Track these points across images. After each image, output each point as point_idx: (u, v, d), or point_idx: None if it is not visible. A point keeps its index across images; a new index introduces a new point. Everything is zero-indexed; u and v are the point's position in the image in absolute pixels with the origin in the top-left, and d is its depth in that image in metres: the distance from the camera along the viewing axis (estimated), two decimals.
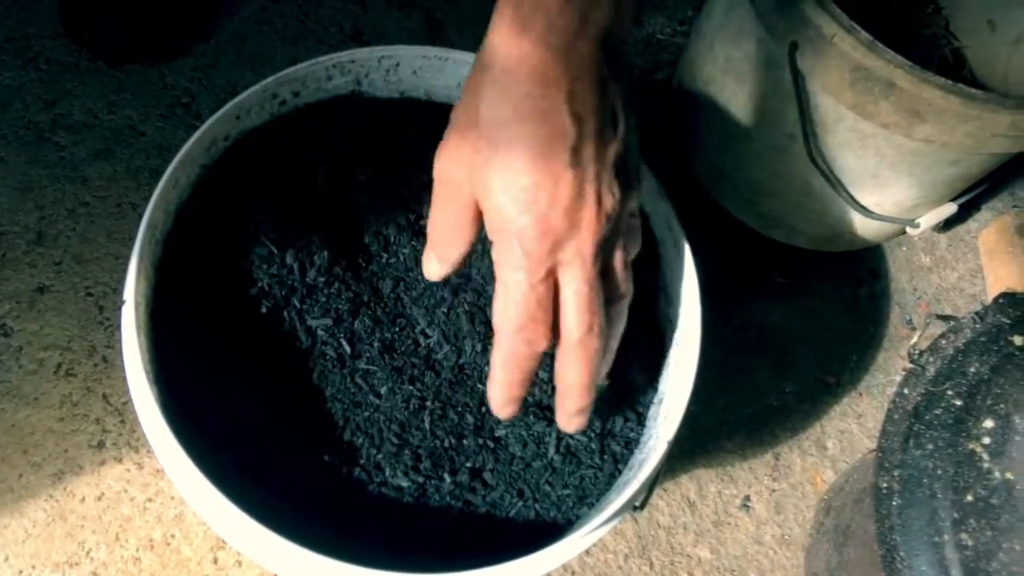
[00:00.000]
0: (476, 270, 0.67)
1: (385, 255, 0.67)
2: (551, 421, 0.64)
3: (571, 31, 0.49)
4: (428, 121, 0.73)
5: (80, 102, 1.02)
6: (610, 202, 0.52)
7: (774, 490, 0.97)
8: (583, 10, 0.49)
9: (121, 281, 0.92)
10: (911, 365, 0.71)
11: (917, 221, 0.95)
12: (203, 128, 0.64)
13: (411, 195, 0.69)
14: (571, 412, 0.56)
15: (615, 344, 0.58)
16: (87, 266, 0.94)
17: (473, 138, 0.52)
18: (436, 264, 0.57)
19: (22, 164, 0.98)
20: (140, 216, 0.94)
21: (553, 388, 0.65)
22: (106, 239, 0.96)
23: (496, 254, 0.53)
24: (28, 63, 1.04)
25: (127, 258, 0.61)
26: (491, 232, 0.53)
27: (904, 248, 1.11)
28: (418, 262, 0.66)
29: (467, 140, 0.52)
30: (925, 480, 0.64)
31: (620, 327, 0.57)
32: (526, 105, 0.50)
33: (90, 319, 0.92)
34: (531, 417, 0.64)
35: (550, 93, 0.50)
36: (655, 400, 0.67)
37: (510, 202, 0.51)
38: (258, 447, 0.60)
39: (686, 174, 1.05)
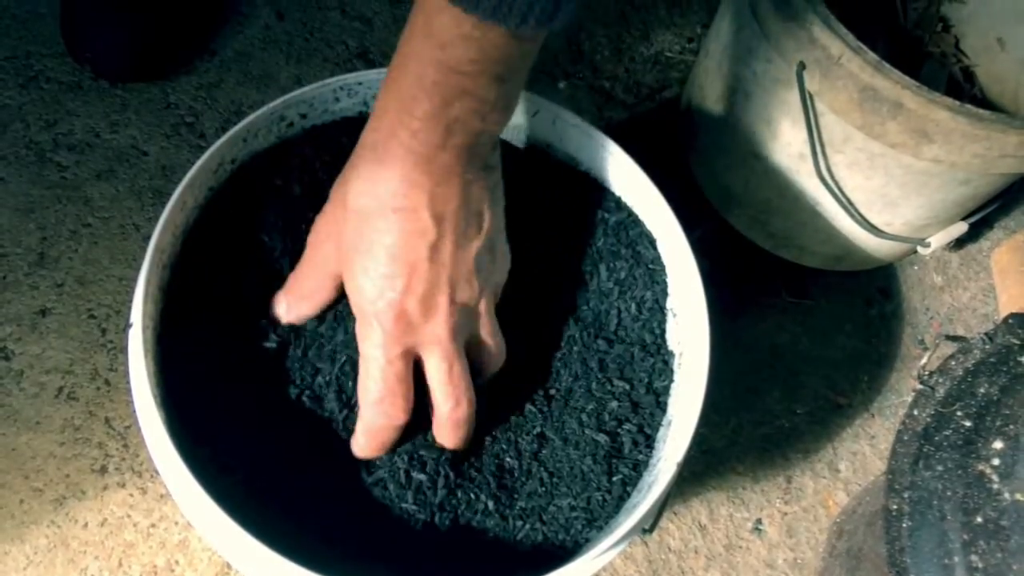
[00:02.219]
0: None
1: None
2: (561, 446, 0.66)
3: (433, 144, 0.55)
4: None
5: (82, 122, 1.05)
6: (466, 293, 0.60)
7: (786, 513, 0.98)
8: (447, 123, 0.55)
9: (124, 303, 0.95)
10: (921, 386, 0.72)
11: (928, 240, 0.96)
12: (210, 151, 0.66)
13: None
14: None
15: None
16: (89, 288, 0.96)
17: (342, 219, 0.59)
18: (283, 309, 0.65)
19: (23, 185, 1.00)
20: (144, 237, 0.98)
21: (558, 413, 0.67)
22: (109, 261, 0.98)
23: (358, 331, 0.60)
24: (29, 82, 1.06)
25: (130, 280, 0.63)
26: (354, 309, 0.61)
27: (916, 267, 1.13)
28: None
29: (338, 219, 0.60)
30: (935, 502, 0.66)
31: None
32: (391, 202, 0.56)
33: (92, 342, 0.94)
34: (538, 441, 0.66)
35: (414, 194, 0.56)
36: (664, 422, 0.68)
37: (369, 286, 0.58)
38: (266, 471, 0.62)
39: (695, 193, 1.07)
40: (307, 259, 0.63)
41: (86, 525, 0.88)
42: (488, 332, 0.62)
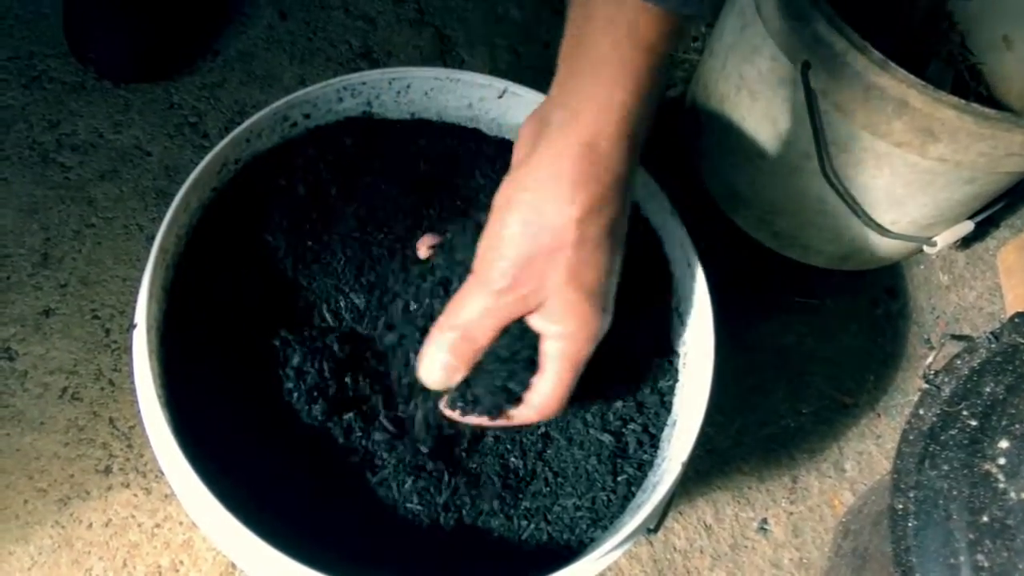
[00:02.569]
0: None
1: (403, 274, 0.69)
2: (566, 446, 0.66)
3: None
4: (439, 141, 0.76)
5: (85, 122, 1.05)
6: (606, 320, 0.57)
7: (792, 513, 0.99)
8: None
9: (128, 303, 0.95)
10: (926, 385, 0.73)
11: (934, 239, 0.96)
12: (214, 151, 0.66)
13: (425, 215, 0.72)
14: None
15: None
16: (93, 288, 0.97)
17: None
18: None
19: (27, 185, 1.01)
20: (147, 237, 0.98)
21: (563, 413, 0.67)
22: (112, 261, 0.98)
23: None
24: (32, 83, 1.06)
25: (134, 280, 0.63)
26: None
27: (922, 266, 1.13)
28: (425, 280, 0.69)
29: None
30: (941, 501, 0.66)
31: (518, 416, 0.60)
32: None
33: (96, 342, 0.95)
34: (543, 441, 0.66)
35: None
36: (669, 422, 0.68)
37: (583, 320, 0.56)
38: (269, 470, 0.62)
39: (700, 193, 1.07)
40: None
41: (90, 525, 0.88)
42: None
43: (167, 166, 1.04)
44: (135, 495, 0.89)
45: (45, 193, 1.01)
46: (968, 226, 0.97)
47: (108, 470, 0.90)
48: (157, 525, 0.88)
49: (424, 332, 0.66)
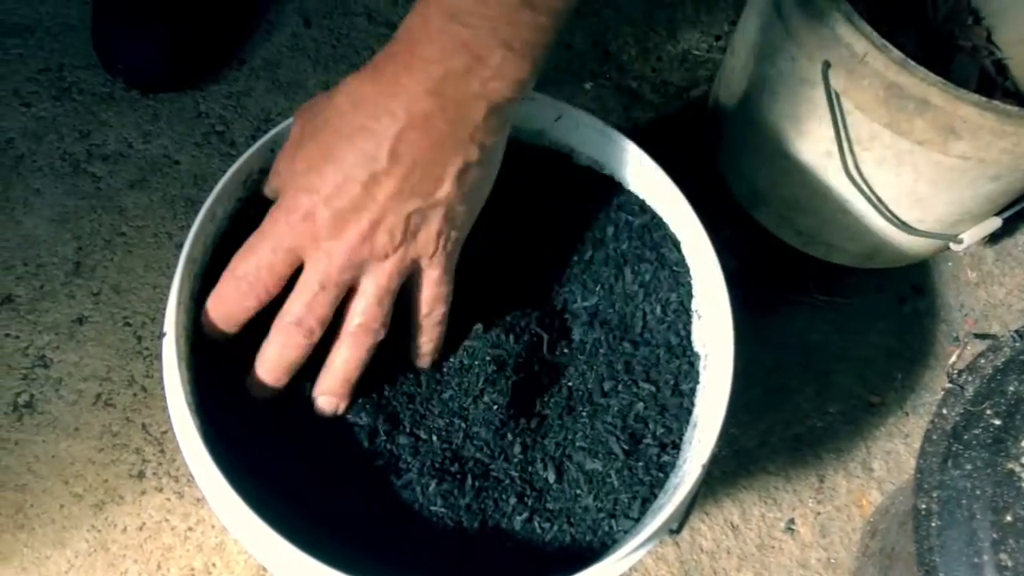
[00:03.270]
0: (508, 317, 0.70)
1: None
2: (588, 448, 0.67)
3: (423, 89, 0.56)
4: None
5: (115, 132, 1.07)
6: (382, 240, 0.59)
7: (819, 513, 0.99)
8: (441, 74, 0.56)
9: (159, 311, 0.97)
10: (950, 385, 0.73)
11: (961, 236, 0.97)
12: (239, 162, 0.68)
13: None
14: None
15: (343, 362, 0.63)
16: (125, 296, 0.99)
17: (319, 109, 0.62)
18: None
19: (59, 195, 1.03)
20: (177, 246, 1.00)
21: (585, 415, 0.68)
22: (143, 269, 1.00)
23: (271, 210, 0.61)
24: (63, 94, 1.09)
25: (164, 288, 0.64)
26: (277, 186, 0.63)
27: (949, 263, 1.13)
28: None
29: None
30: (964, 501, 0.67)
31: (351, 352, 0.63)
32: (363, 119, 0.57)
33: (128, 349, 0.97)
34: (565, 444, 0.67)
35: (386, 122, 0.57)
36: (690, 423, 0.69)
37: (300, 171, 0.59)
38: (298, 475, 0.63)
39: (722, 191, 1.08)
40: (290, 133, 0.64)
41: (125, 529, 0.90)
42: (372, 301, 0.61)
43: (195, 175, 1.06)
44: (168, 499, 0.91)
45: (77, 203, 1.03)
46: (995, 223, 0.97)
47: (141, 475, 0.92)
48: (190, 528, 0.90)
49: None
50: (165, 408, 0.81)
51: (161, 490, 0.91)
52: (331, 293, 0.60)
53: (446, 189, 0.59)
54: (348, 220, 0.58)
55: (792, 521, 0.98)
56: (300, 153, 0.60)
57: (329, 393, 0.64)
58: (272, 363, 0.62)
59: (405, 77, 0.56)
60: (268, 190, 0.66)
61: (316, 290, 0.60)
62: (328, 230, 0.58)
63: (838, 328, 1.08)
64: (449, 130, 0.57)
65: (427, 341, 0.66)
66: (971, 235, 0.97)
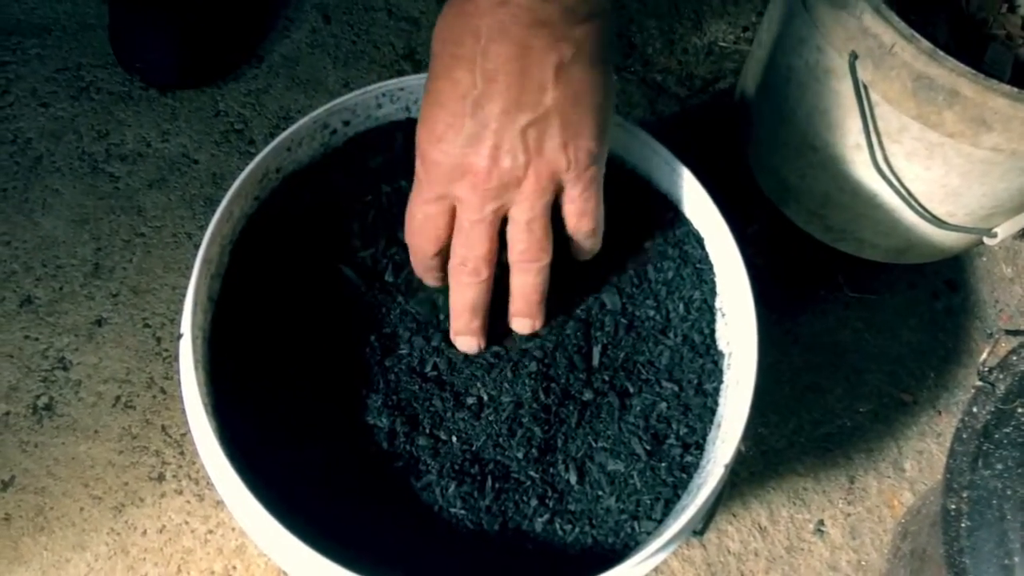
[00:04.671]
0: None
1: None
2: (610, 448, 0.67)
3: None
4: None
5: (133, 131, 1.08)
6: (507, 162, 0.59)
7: (849, 514, 0.99)
8: None
9: (178, 312, 0.98)
10: (980, 383, 0.73)
11: (994, 231, 0.96)
12: (255, 161, 0.68)
13: None
14: None
15: (520, 288, 0.67)
16: (144, 297, 1.00)
17: None
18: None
19: (77, 196, 1.04)
20: (196, 246, 1.01)
21: (607, 415, 0.69)
22: (162, 270, 1.01)
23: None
24: (81, 93, 1.10)
25: (183, 288, 0.65)
26: None
27: (984, 258, 1.13)
28: None
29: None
30: (995, 501, 0.67)
31: (524, 278, 0.66)
32: (450, 48, 0.59)
33: (148, 350, 0.98)
34: (587, 445, 0.68)
35: (469, 43, 0.58)
36: (714, 423, 0.69)
37: (419, 127, 0.61)
38: (316, 478, 0.64)
39: (750, 186, 1.08)
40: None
41: (145, 532, 0.91)
42: (523, 228, 0.62)
43: (214, 173, 1.07)
44: (188, 501, 0.92)
45: (95, 203, 1.04)
46: None
47: (161, 477, 0.93)
48: (210, 531, 0.91)
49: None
50: (184, 410, 0.82)
51: (181, 493, 0.92)
52: (482, 229, 0.62)
53: (551, 94, 0.58)
54: (468, 155, 0.59)
55: (822, 522, 0.98)
56: (420, 113, 0.61)
57: (520, 315, 0.68)
58: (458, 308, 0.66)
59: None
60: None
61: (468, 231, 0.62)
62: (456, 170, 0.60)
63: (869, 325, 1.07)
64: (530, 32, 0.57)
65: (580, 250, 0.69)
66: (1005, 229, 0.96)
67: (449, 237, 0.64)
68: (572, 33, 0.58)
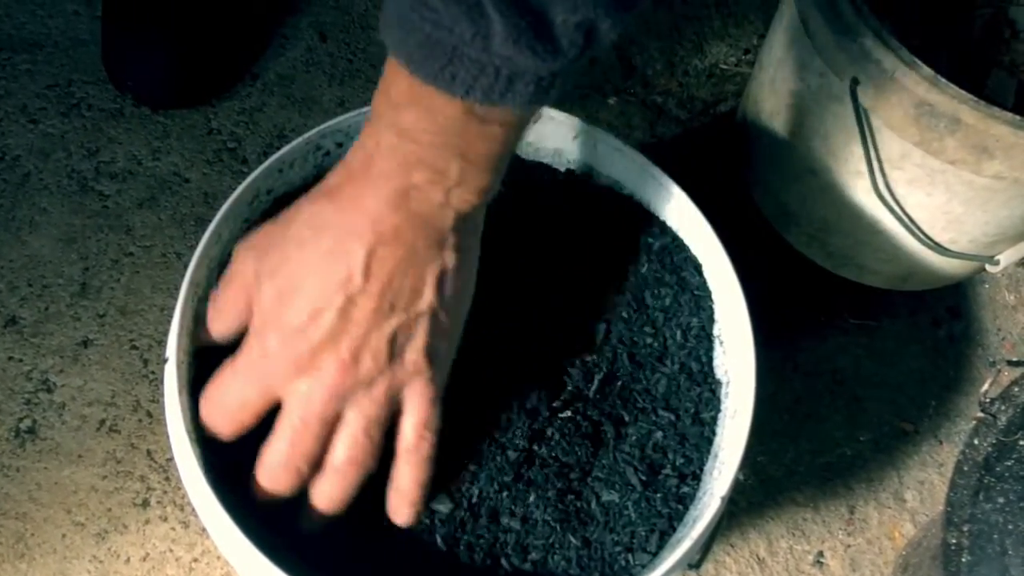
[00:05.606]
0: None
1: None
2: (604, 478, 0.67)
3: (386, 204, 0.56)
4: None
5: (124, 149, 1.08)
6: (366, 366, 0.57)
7: (849, 545, 0.98)
8: (402, 188, 0.56)
9: (166, 333, 0.97)
10: (982, 414, 0.73)
11: (997, 258, 0.96)
12: (245, 183, 0.68)
13: None
14: None
15: (327, 499, 0.61)
16: (131, 318, 1.00)
17: (276, 236, 0.61)
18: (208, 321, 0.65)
19: (65, 214, 1.04)
20: (185, 266, 1.00)
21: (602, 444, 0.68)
22: (151, 290, 1.01)
23: (242, 344, 0.61)
24: (71, 110, 1.10)
25: (172, 309, 0.65)
26: (250, 326, 0.61)
27: (986, 285, 1.13)
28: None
29: (271, 236, 0.61)
30: (996, 536, 0.66)
31: (335, 488, 0.61)
32: (328, 243, 0.57)
33: (134, 373, 0.97)
34: (580, 477, 0.67)
35: (352, 244, 0.56)
36: (711, 453, 0.69)
37: (268, 308, 0.59)
38: (301, 508, 0.64)
39: (750, 210, 1.08)
40: (229, 271, 0.63)
41: (128, 560, 0.90)
42: (359, 433, 0.59)
43: (206, 193, 1.07)
44: (173, 528, 0.92)
45: (84, 222, 1.04)
46: None
47: (146, 503, 0.92)
48: (195, 559, 0.91)
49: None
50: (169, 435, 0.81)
51: (166, 519, 0.92)
52: (315, 429, 0.58)
53: (427, 299, 0.58)
54: (326, 351, 0.57)
55: (821, 554, 0.98)
56: (261, 293, 0.59)
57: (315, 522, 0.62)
58: (265, 500, 0.61)
59: (367, 195, 0.56)
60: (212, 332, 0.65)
61: (299, 428, 0.58)
62: (305, 365, 0.57)
63: (870, 353, 1.07)
64: (421, 241, 0.57)
65: (411, 483, 0.62)
66: (1008, 256, 0.96)
67: (258, 423, 0.60)
68: (461, 243, 0.59)
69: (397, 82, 0.53)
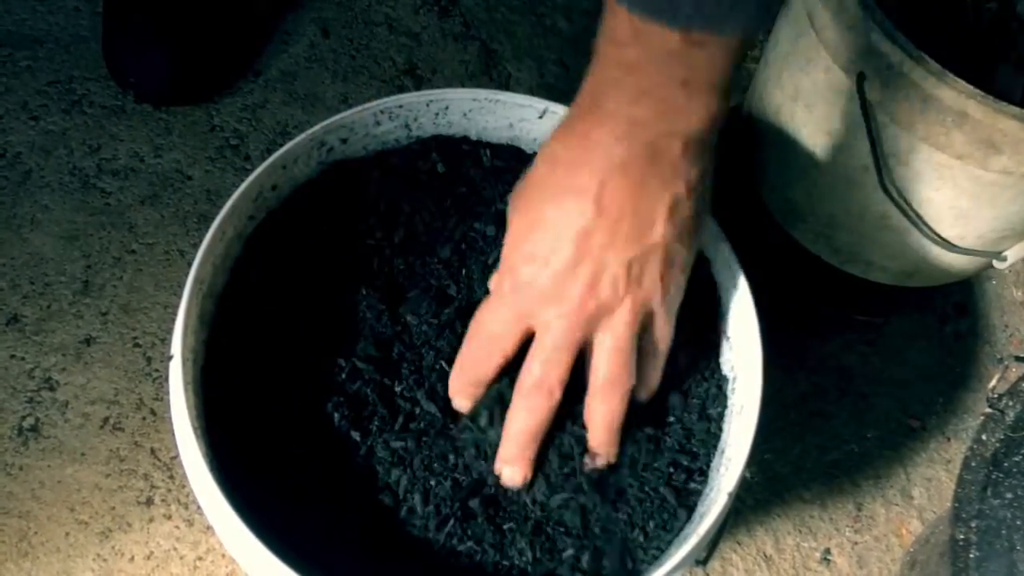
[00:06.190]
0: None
1: (445, 309, 0.71)
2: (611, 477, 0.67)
3: (613, 137, 0.58)
4: (479, 162, 0.78)
5: (126, 146, 1.09)
6: (605, 294, 0.60)
7: (856, 543, 0.99)
8: (628, 121, 0.57)
9: (169, 331, 0.98)
10: (990, 409, 0.73)
11: (1004, 254, 0.96)
12: (249, 180, 0.69)
13: (470, 236, 0.74)
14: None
15: (601, 417, 0.65)
16: (134, 316, 1.00)
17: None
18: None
19: (67, 212, 1.04)
20: (188, 264, 1.01)
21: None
22: (153, 288, 1.01)
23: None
24: (73, 107, 1.10)
25: (175, 307, 0.65)
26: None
27: (993, 282, 1.13)
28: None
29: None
30: (1004, 531, 0.67)
31: (606, 406, 0.64)
32: (561, 180, 0.60)
33: (137, 371, 0.98)
34: (588, 475, 0.68)
35: (583, 177, 0.59)
36: (718, 450, 0.69)
37: (509, 247, 0.62)
38: (308, 505, 0.64)
39: (757, 206, 1.08)
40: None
41: (132, 558, 0.91)
42: (612, 355, 0.62)
43: (208, 190, 1.07)
44: (177, 527, 0.92)
45: (86, 220, 1.04)
46: None
47: (150, 501, 0.93)
48: (199, 558, 0.91)
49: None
50: (174, 432, 0.82)
51: (170, 517, 0.92)
52: (567, 353, 0.62)
53: (660, 230, 0.60)
54: (568, 279, 0.60)
55: (828, 551, 0.98)
56: (511, 230, 0.62)
57: (601, 445, 0.65)
58: (518, 429, 0.64)
59: (595, 130, 0.58)
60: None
61: (550, 352, 0.61)
62: (551, 293, 0.60)
63: (877, 349, 1.08)
64: (649, 171, 0.58)
65: (648, 383, 0.67)
66: (1015, 252, 0.96)
67: (512, 358, 0.64)
68: (691, 173, 0.60)
69: (619, 23, 0.55)
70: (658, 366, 0.66)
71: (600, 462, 0.66)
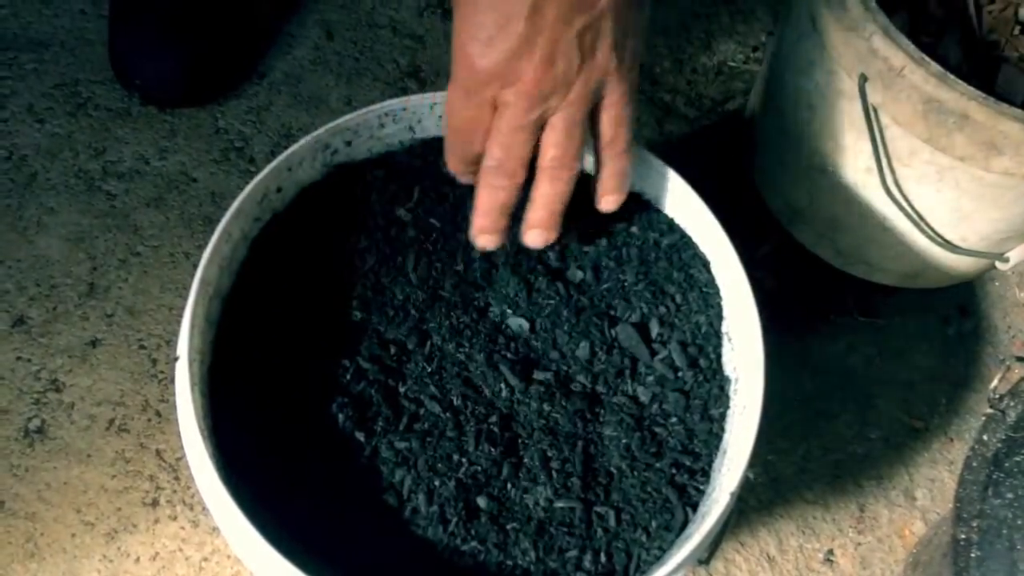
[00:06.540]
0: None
1: (453, 313, 0.72)
2: (613, 477, 0.68)
3: None
4: None
5: (131, 149, 1.09)
6: (561, 67, 0.60)
7: (859, 543, 0.99)
8: None
9: (174, 333, 0.99)
10: (991, 410, 0.73)
11: (1007, 255, 0.97)
12: (254, 182, 0.69)
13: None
14: None
15: (543, 196, 0.67)
16: (140, 318, 1.01)
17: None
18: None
19: (73, 214, 1.05)
20: (193, 266, 1.02)
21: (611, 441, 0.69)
22: (159, 290, 1.02)
23: None
24: (78, 110, 1.11)
25: (180, 309, 0.66)
26: None
27: (996, 283, 1.13)
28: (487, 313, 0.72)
29: None
30: (1005, 531, 0.67)
31: (551, 186, 0.66)
32: None
33: (143, 372, 0.99)
34: (590, 473, 0.68)
35: None
36: (720, 450, 0.70)
37: (461, 29, 0.61)
38: (313, 505, 0.65)
39: (760, 208, 1.09)
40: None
41: (138, 559, 0.91)
42: (562, 134, 0.63)
43: (213, 192, 1.08)
44: (182, 528, 0.93)
45: (91, 222, 1.05)
46: None
47: (155, 503, 0.94)
48: (205, 559, 0.92)
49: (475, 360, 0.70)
50: (180, 434, 0.82)
51: (175, 518, 0.93)
52: (525, 132, 0.63)
53: (603, 2, 0.60)
54: (522, 56, 0.60)
55: (831, 552, 0.98)
56: (458, 11, 0.61)
57: (537, 226, 0.68)
58: (485, 207, 0.67)
59: None
60: None
61: (508, 132, 0.63)
62: (504, 74, 0.60)
63: (880, 350, 1.08)
64: None
65: (610, 175, 0.69)
66: (1017, 254, 0.97)
67: (483, 146, 0.65)
68: None
69: None
70: (611, 157, 0.68)
71: (536, 239, 0.68)
